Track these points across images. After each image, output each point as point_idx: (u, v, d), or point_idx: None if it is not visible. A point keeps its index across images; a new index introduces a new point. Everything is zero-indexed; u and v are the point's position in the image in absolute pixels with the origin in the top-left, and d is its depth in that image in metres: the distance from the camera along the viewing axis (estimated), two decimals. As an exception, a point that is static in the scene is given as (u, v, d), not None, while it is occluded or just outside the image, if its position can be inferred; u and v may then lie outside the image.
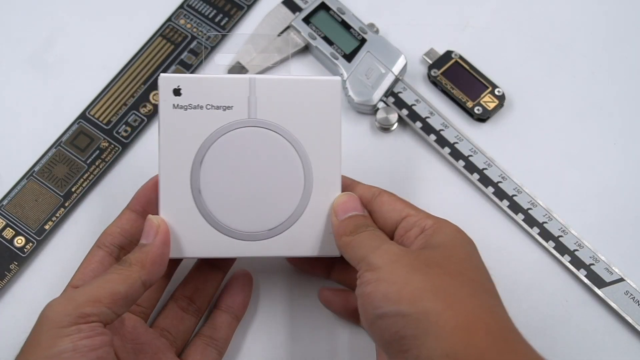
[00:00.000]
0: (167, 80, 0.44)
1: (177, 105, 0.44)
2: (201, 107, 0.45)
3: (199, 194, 0.45)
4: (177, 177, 0.44)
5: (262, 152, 0.45)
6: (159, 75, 0.45)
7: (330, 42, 0.57)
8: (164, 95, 0.44)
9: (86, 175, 0.54)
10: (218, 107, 0.45)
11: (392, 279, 0.39)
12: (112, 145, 0.55)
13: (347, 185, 0.47)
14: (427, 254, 0.41)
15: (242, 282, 0.49)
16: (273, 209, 0.45)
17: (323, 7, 0.58)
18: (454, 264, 0.40)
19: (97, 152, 0.55)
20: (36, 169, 0.54)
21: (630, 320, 0.50)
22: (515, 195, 0.53)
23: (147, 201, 0.46)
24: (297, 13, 0.58)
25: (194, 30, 0.59)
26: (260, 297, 0.51)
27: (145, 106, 0.56)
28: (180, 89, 0.44)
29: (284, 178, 0.45)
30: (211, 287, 0.49)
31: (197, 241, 0.45)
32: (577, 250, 0.52)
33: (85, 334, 0.38)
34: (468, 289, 0.39)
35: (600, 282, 0.51)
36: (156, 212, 0.45)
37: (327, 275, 0.49)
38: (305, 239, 0.45)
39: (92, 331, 0.39)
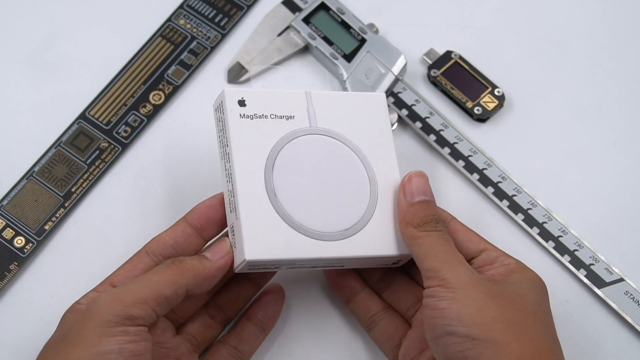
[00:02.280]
0: (232, 93, 0.46)
1: (244, 115, 0.46)
2: (266, 117, 0.46)
3: (274, 197, 0.45)
4: (252, 181, 0.45)
5: (327, 157, 0.47)
6: (224, 90, 0.46)
7: (330, 42, 0.57)
8: (230, 105, 0.46)
9: (86, 175, 0.54)
10: (281, 117, 0.47)
11: (467, 301, 0.40)
12: (112, 146, 0.55)
13: None
14: (503, 287, 0.42)
15: (275, 296, 0.49)
16: (345, 210, 0.46)
17: (323, 7, 0.58)
18: (527, 304, 0.42)
19: (97, 152, 0.55)
20: (36, 169, 0.54)
21: (630, 320, 0.50)
22: (515, 196, 0.53)
23: (206, 220, 0.46)
24: (297, 13, 0.58)
25: (194, 30, 0.59)
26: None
27: (145, 106, 0.56)
28: (244, 100, 0.46)
29: (350, 180, 0.47)
30: (243, 300, 0.48)
31: (277, 243, 0.45)
32: (577, 250, 0.52)
33: (131, 337, 0.39)
34: (537, 328, 0.41)
35: (600, 282, 0.51)
36: (215, 232, 0.46)
37: (345, 301, 0.49)
38: (381, 238, 0.46)
39: (138, 336, 0.39)
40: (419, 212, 0.44)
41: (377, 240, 0.46)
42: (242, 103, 0.46)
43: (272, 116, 0.46)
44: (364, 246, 0.46)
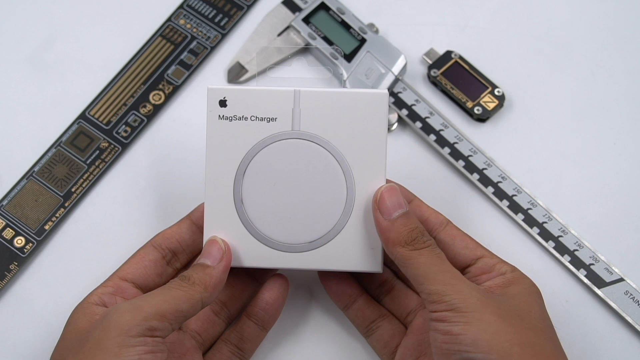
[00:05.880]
0: (214, 92, 0.45)
1: (223, 116, 0.45)
2: (246, 119, 0.45)
3: (241, 204, 0.45)
4: (221, 186, 0.45)
5: (305, 164, 0.45)
6: (207, 87, 0.46)
7: (330, 42, 0.57)
8: (210, 106, 0.45)
9: (86, 175, 0.54)
10: (262, 119, 0.45)
11: (481, 325, 0.40)
12: (112, 146, 0.55)
13: (411, 201, 0.47)
14: (509, 303, 0.42)
15: (275, 294, 0.48)
16: (314, 222, 0.45)
17: (323, 7, 0.58)
18: (535, 321, 0.42)
19: (97, 152, 0.55)
20: (36, 169, 0.54)
21: (630, 320, 0.50)
22: (515, 195, 0.53)
23: None
24: (297, 13, 0.58)
25: (194, 30, 0.59)
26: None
27: (145, 106, 0.56)
28: (226, 100, 0.45)
29: (326, 191, 0.45)
30: (246, 296, 0.48)
31: (237, 251, 0.45)
32: (577, 250, 0.52)
33: (150, 348, 0.39)
34: (550, 348, 0.41)
35: (600, 282, 0.51)
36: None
37: (343, 308, 0.49)
38: (346, 254, 0.45)
39: (156, 347, 0.40)
40: (402, 228, 0.43)
41: (343, 255, 0.45)
42: (222, 103, 0.45)
43: (253, 118, 0.45)
44: (326, 260, 0.45)
